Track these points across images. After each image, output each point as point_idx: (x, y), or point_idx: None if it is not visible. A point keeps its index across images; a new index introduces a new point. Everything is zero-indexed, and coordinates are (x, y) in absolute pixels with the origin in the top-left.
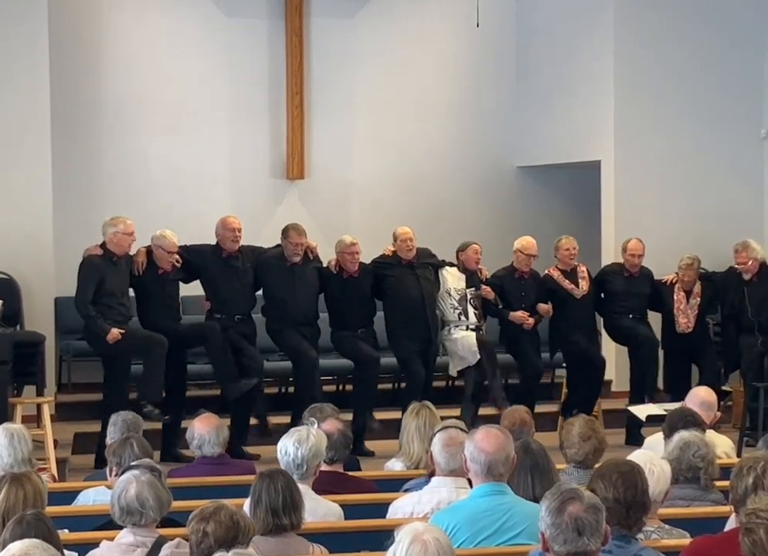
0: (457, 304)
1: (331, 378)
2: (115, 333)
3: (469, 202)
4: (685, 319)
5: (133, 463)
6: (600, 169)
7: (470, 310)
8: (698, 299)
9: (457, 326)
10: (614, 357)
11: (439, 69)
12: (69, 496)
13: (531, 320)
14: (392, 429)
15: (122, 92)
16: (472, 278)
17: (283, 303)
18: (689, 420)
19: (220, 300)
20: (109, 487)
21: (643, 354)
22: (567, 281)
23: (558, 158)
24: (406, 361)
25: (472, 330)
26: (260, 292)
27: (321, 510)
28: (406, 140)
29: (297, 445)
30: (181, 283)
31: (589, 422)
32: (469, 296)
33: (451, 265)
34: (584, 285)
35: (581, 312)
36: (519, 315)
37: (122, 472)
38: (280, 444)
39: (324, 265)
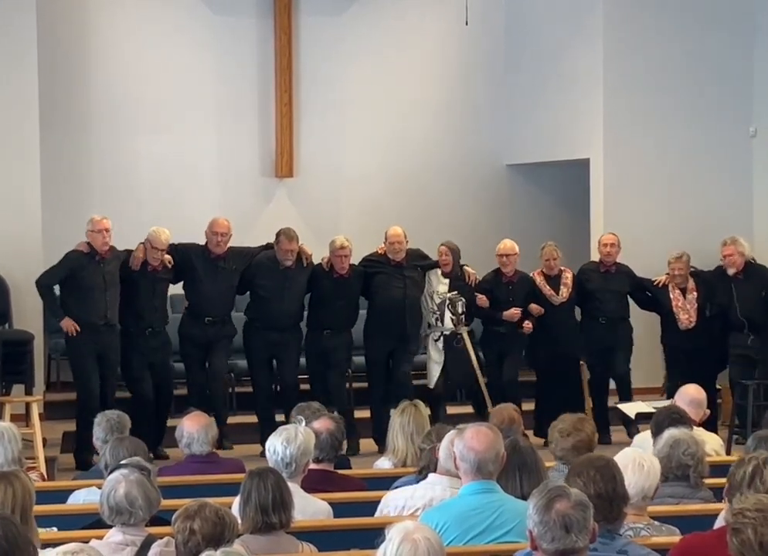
0: (436, 308)
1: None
2: (69, 323)
3: (458, 200)
4: (686, 315)
5: (122, 462)
6: (589, 167)
7: (447, 315)
8: (695, 294)
9: (432, 331)
10: None
11: (428, 68)
12: (59, 495)
13: (529, 324)
14: (368, 429)
15: (111, 90)
16: (456, 282)
17: (269, 305)
18: (675, 418)
19: (198, 301)
20: (100, 487)
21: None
22: (547, 287)
23: (547, 156)
24: (370, 365)
25: (446, 335)
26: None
27: (310, 508)
28: (395, 138)
29: (286, 443)
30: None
31: (576, 420)
32: (448, 301)
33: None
34: (564, 292)
35: (559, 318)
36: (512, 312)
37: (110, 472)
38: (268, 443)
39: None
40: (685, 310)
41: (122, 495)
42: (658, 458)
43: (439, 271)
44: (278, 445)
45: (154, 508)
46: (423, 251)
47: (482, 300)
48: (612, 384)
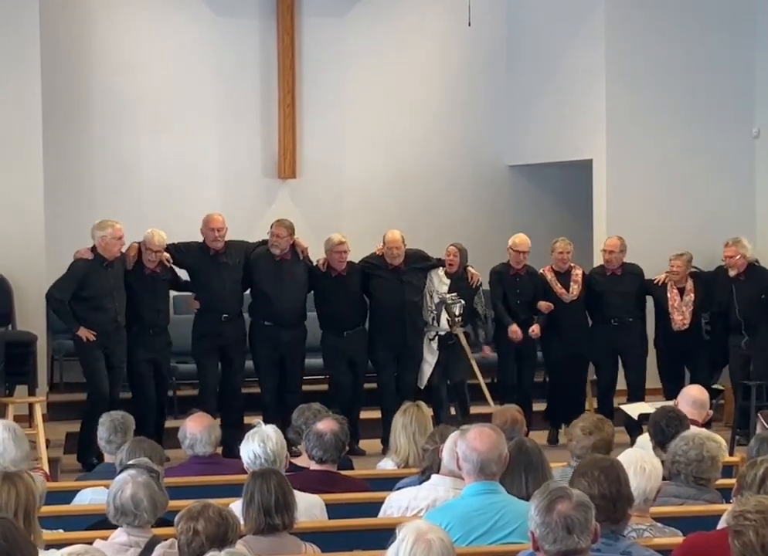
0: (434, 307)
1: (321, 377)
2: (85, 332)
3: (460, 201)
4: (680, 316)
5: (131, 462)
6: (592, 168)
7: (443, 316)
8: (692, 295)
9: (429, 330)
10: None
11: (430, 68)
12: (63, 496)
13: (536, 329)
14: (375, 429)
15: (113, 91)
16: (458, 283)
17: (270, 299)
18: (672, 417)
19: (208, 298)
20: (107, 487)
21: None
22: (558, 284)
23: (549, 157)
24: (376, 367)
25: (441, 336)
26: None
27: (302, 504)
28: (398, 139)
29: (263, 444)
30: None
31: (597, 419)
32: (449, 301)
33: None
34: (575, 289)
35: (569, 315)
36: (513, 330)
37: (120, 472)
38: (243, 452)
39: (314, 264)
40: (680, 311)
41: (128, 496)
42: (667, 456)
43: (441, 270)
44: (256, 449)
45: (160, 511)
46: (425, 252)
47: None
48: (620, 385)
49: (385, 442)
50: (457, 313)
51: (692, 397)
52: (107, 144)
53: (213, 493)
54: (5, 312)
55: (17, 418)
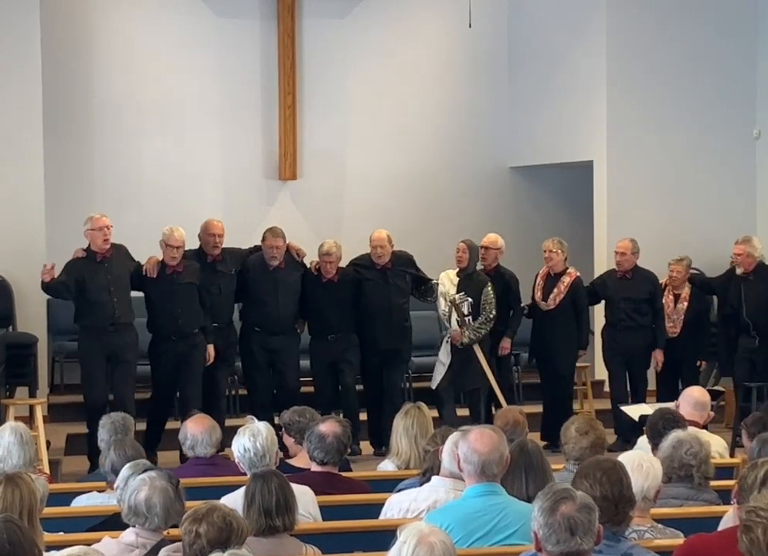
0: (447, 310)
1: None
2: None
3: (462, 203)
4: (671, 324)
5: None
6: (593, 169)
7: (453, 318)
8: (685, 303)
9: (445, 333)
10: None
11: (431, 70)
12: (64, 498)
13: (506, 344)
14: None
15: (114, 92)
16: (466, 281)
17: (264, 308)
18: (669, 418)
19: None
20: (100, 491)
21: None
22: (540, 291)
23: (550, 159)
24: (362, 373)
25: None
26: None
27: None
28: (399, 140)
29: (253, 438)
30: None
31: (588, 419)
32: (458, 301)
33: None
34: (557, 296)
35: (549, 323)
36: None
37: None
38: (234, 446)
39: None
40: (671, 318)
41: (142, 498)
42: (662, 459)
43: (451, 272)
44: (246, 443)
45: (173, 519)
46: (413, 258)
47: (505, 348)
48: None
49: (374, 444)
50: (465, 312)
51: (694, 398)
52: (108, 146)
53: (214, 495)
54: (6, 314)
55: (18, 420)
